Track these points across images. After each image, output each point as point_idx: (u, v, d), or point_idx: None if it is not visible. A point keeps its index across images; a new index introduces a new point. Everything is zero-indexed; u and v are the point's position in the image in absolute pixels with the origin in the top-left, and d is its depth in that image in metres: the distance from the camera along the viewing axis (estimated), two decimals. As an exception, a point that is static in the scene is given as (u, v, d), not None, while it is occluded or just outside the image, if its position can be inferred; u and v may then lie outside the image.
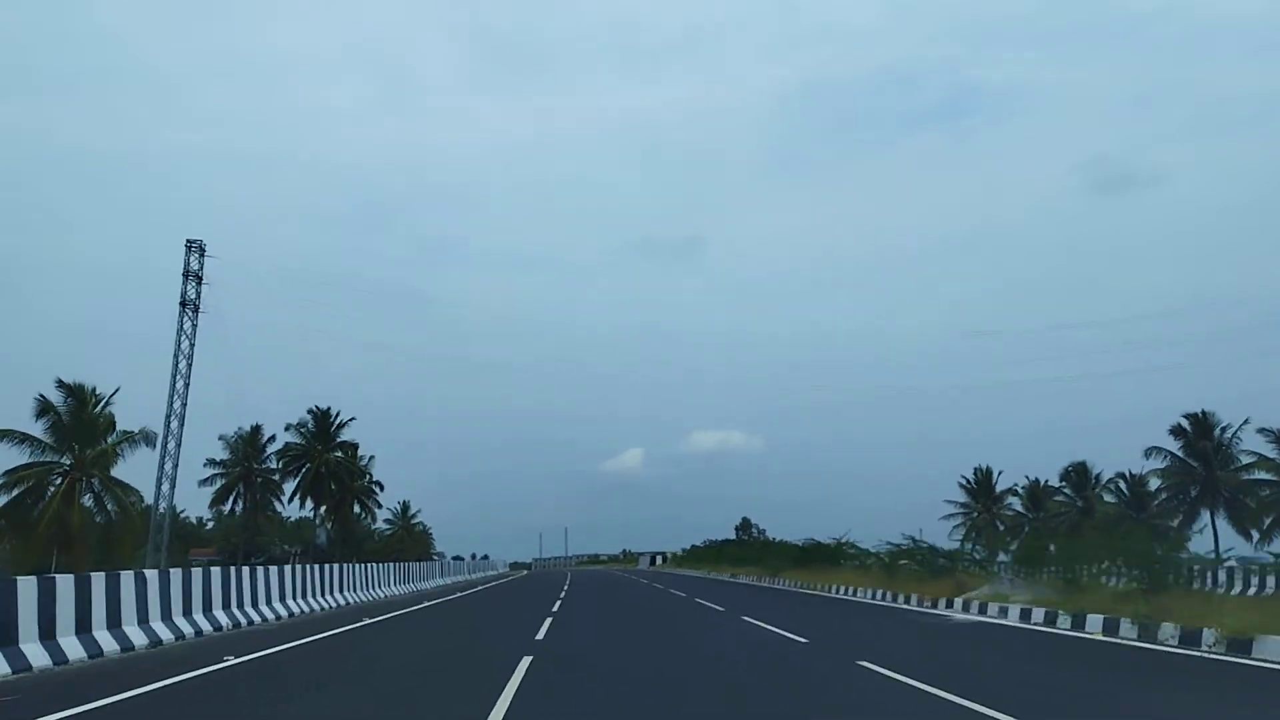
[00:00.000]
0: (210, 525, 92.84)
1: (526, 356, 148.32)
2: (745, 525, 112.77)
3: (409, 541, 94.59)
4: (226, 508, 68.08)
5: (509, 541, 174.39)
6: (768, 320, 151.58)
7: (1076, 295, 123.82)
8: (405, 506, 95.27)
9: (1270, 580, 27.42)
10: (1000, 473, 74.93)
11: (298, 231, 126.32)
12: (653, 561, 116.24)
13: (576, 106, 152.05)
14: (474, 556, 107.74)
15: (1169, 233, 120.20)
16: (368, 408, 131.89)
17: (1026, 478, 70.00)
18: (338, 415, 65.08)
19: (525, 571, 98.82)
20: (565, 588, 37.11)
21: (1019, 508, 71.02)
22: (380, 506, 73.39)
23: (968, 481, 75.79)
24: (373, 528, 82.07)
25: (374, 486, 71.36)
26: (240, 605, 18.12)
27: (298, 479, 64.39)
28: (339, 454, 65.77)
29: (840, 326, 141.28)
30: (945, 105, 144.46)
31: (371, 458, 70.07)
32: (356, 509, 72.37)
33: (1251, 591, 26.80)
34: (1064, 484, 65.36)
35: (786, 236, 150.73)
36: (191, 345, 37.91)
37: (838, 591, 30.55)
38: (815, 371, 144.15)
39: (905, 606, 23.50)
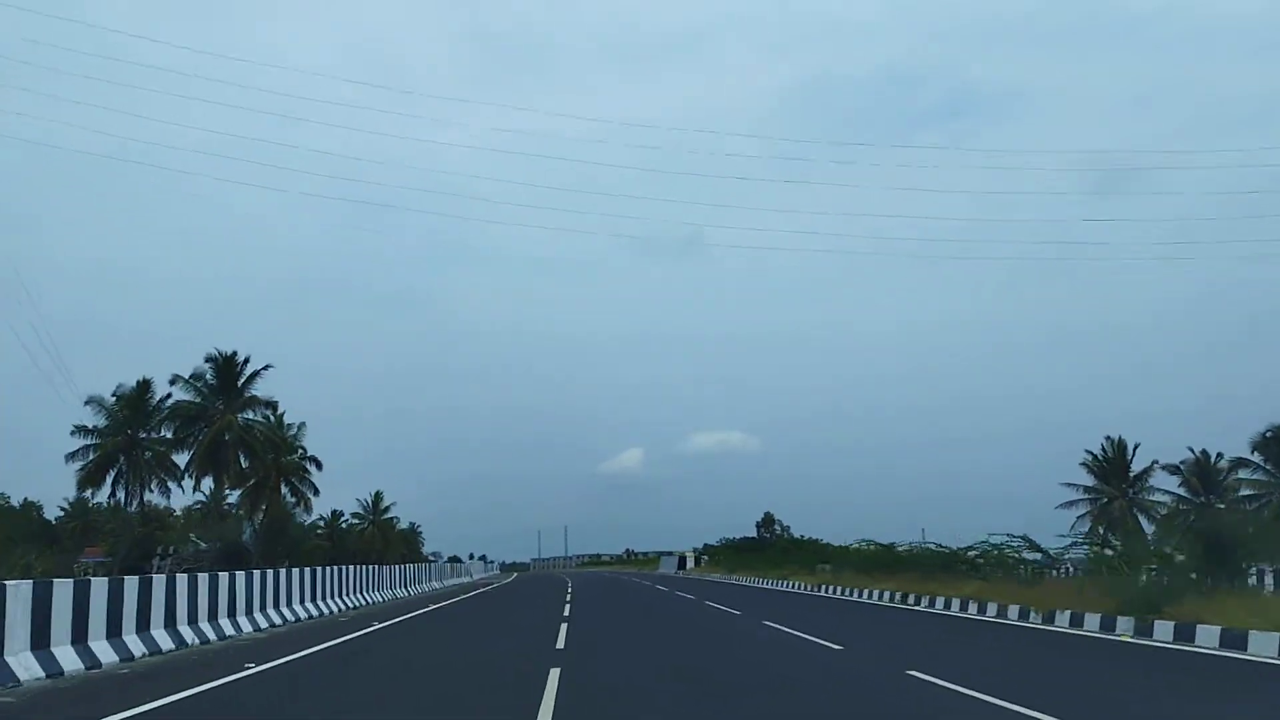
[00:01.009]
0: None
1: (527, 356, 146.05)
2: (768, 521, 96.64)
3: (381, 540, 76.35)
4: (104, 490, 49.64)
5: (508, 540, 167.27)
6: (768, 319, 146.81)
7: (1076, 295, 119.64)
8: (377, 498, 77.13)
9: None
10: (1137, 446, 57.23)
11: (297, 231, 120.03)
12: (682, 565, 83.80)
13: (576, 106, 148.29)
14: (472, 556, 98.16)
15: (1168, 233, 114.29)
16: (370, 406, 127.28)
17: (1190, 450, 51.82)
18: (246, 361, 46.71)
19: (515, 575, 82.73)
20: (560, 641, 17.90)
21: (1177, 490, 52.85)
22: (316, 493, 54.23)
23: (1094, 458, 57.96)
24: (310, 523, 62.50)
25: (307, 464, 52.84)
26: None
27: (192, 450, 46.20)
28: (250, 414, 47.41)
29: (840, 323, 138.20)
30: (945, 105, 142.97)
31: (302, 424, 51.87)
32: (290, 496, 54.21)
33: None
34: (1257, 455, 46.99)
35: (786, 235, 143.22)
36: None
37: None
38: (816, 370, 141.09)
39: None
